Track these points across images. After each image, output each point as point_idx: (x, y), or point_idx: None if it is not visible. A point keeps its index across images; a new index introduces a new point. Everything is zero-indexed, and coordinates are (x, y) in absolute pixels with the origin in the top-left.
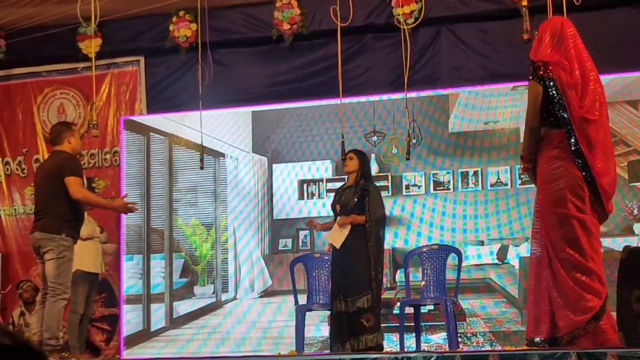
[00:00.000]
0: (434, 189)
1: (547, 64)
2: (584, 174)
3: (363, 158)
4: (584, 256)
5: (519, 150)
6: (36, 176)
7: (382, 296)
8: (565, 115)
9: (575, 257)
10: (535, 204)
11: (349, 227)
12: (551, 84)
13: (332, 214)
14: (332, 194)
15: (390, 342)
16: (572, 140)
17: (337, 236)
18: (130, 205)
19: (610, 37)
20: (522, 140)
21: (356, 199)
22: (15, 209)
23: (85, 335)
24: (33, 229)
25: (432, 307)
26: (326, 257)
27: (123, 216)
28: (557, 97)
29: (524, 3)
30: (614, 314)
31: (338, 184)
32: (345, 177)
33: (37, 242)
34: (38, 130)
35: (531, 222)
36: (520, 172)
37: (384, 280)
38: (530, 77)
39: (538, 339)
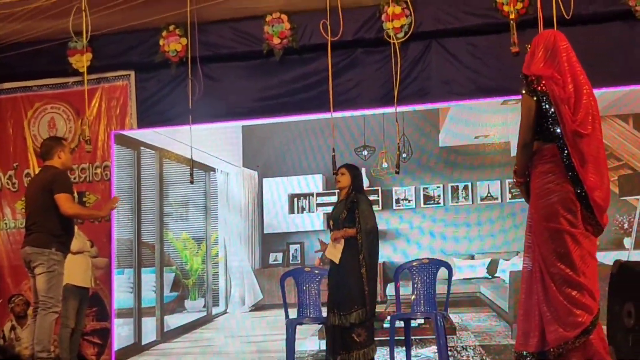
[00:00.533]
0: (424, 203)
1: (540, 78)
2: (576, 188)
3: (355, 172)
4: (574, 271)
5: (511, 164)
6: (27, 191)
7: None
8: (558, 130)
9: (565, 271)
10: (527, 218)
11: (342, 241)
12: (544, 98)
13: (325, 229)
14: (326, 208)
15: (380, 356)
16: (565, 154)
17: (333, 251)
18: (115, 205)
19: (600, 51)
20: (513, 154)
21: (346, 212)
22: (6, 223)
23: (76, 349)
24: (24, 244)
25: (422, 321)
26: (317, 271)
27: (114, 230)
28: (550, 112)
29: (512, 17)
30: (604, 327)
31: (328, 198)
32: (336, 191)
33: (28, 256)
34: (28, 144)
35: (522, 236)
36: (512, 186)
37: None
38: (524, 91)
39: (526, 353)
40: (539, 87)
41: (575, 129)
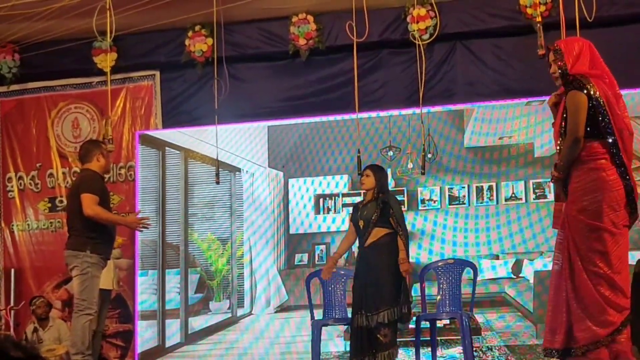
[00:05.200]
0: (450, 204)
1: (588, 76)
2: (625, 183)
3: (379, 174)
4: (612, 270)
5: (535, 164)
6: (67, 195)
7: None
8: (609, 127)
9: (603, 269)
10: (563, 214)
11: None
12: (591, 94)
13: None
14: (350, 209)
15: (406, 357)
16: (615, 150)
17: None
18: (143, 221)
19: (622, 53)
20: (536, 155)
21: (378, 213)
22: (28, 224)
23: (98, 351)
24: (65, 247)
25: (447, 322)
26: (342, 272)
27: (138, 231)
28: (599, 109)
29: (539, 19)
30: None
31: (354, 199)
32: (361, 191)
33: (66, 259)
34: (52, 144)
35: (546, 236)
36: (536, 186)
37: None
38: (571, 88)
39: (554, 350)
40: (589, 84)
41: (627, 126)
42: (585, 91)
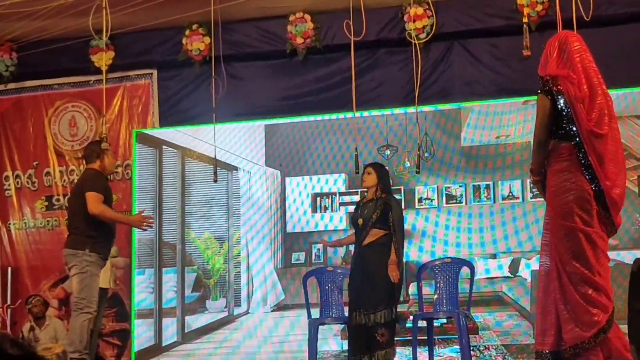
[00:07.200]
0: (447, 203)
1: (555, 78)
2: (592, 186)
3: (381, 172)
4: (590, 270)
5: (528, 161)
6: (69, 194)
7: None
8: (574, 129)
9: (581, 270)
10: (545, 216)
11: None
12: (559, 97)
13: (349, 228)
14: (349, 208)
15: (403, 356)
16: (581, 153)
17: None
18: (147, 220)
19: (619, 52)
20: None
21: (379, 214)
22: (25, 223)
23: (94, 350)
24: (64, 246)
25: (444, 321)
26: (339, 271)
27: (135, 230)
28: (566, 111)
29: (525, 20)
30: (624, 326)
31: (351, 198)
32: (359, 190)
33: (65, 258)
34: (49, 143)
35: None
36: (533, 185)
37: None
38: (539, 91)
39: (545, 352)
40: (555, 87)
41: (591, 128)
42: (549, 95)
